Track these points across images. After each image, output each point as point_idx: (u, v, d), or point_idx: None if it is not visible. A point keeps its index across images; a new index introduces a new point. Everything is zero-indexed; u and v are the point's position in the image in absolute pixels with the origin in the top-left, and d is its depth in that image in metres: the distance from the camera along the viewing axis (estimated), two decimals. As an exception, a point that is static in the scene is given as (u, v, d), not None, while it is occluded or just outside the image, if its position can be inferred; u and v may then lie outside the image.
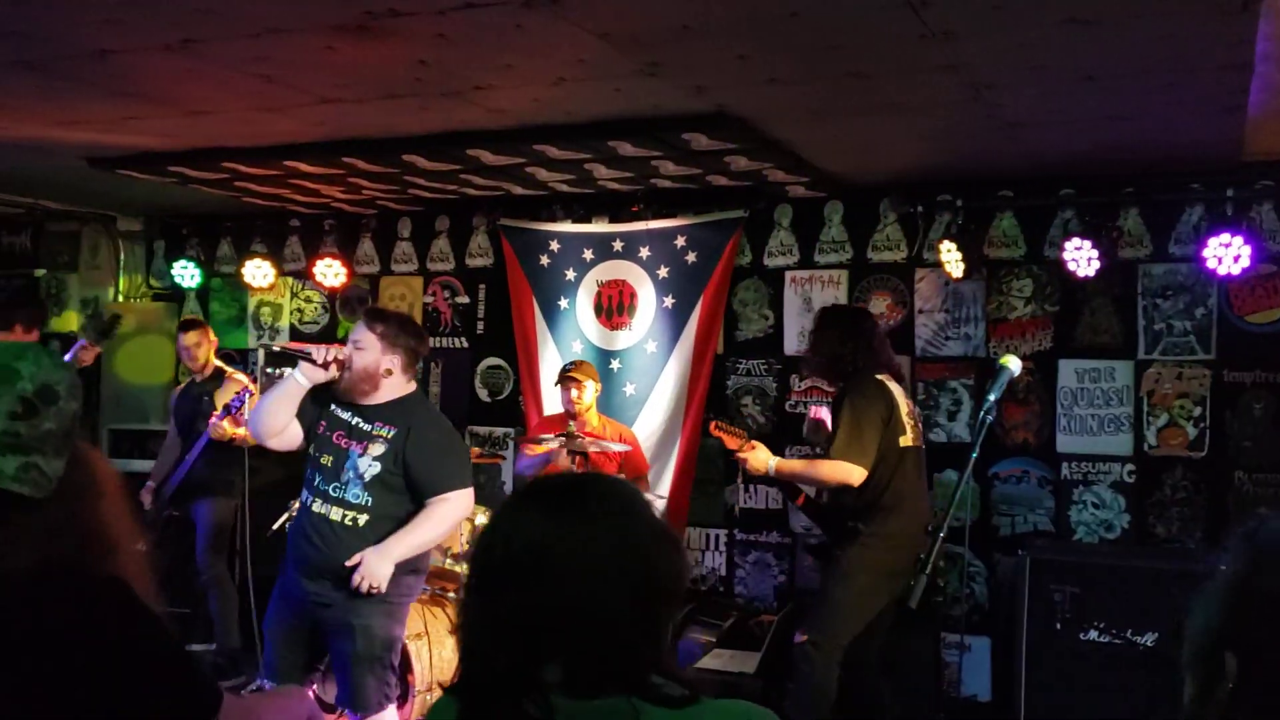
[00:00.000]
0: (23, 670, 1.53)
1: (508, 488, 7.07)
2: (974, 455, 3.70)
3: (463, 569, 5.08)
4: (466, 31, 3.66)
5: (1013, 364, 3.91)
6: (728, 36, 3.68)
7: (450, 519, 3.88)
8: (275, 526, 5.24)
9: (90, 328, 5.75)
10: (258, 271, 7.35)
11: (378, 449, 3.81)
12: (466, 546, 5.08)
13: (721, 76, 4.14)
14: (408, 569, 3.88)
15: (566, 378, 5.84)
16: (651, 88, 4.26)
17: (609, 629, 1.37)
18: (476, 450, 5.79)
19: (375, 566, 3.71)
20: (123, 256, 8.27)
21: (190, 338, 6.48)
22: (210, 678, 1.78)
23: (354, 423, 3.89)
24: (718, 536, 6.59)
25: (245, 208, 7.33)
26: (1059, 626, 5.00)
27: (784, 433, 6.37)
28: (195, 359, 6.48)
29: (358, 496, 3.82)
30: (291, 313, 7.87)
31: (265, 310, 7.93)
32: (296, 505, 5.13)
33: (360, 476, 3.81)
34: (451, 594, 5.13)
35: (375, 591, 3.73)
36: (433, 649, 4.79)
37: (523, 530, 1.42)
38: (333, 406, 3.93)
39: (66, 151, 5.74)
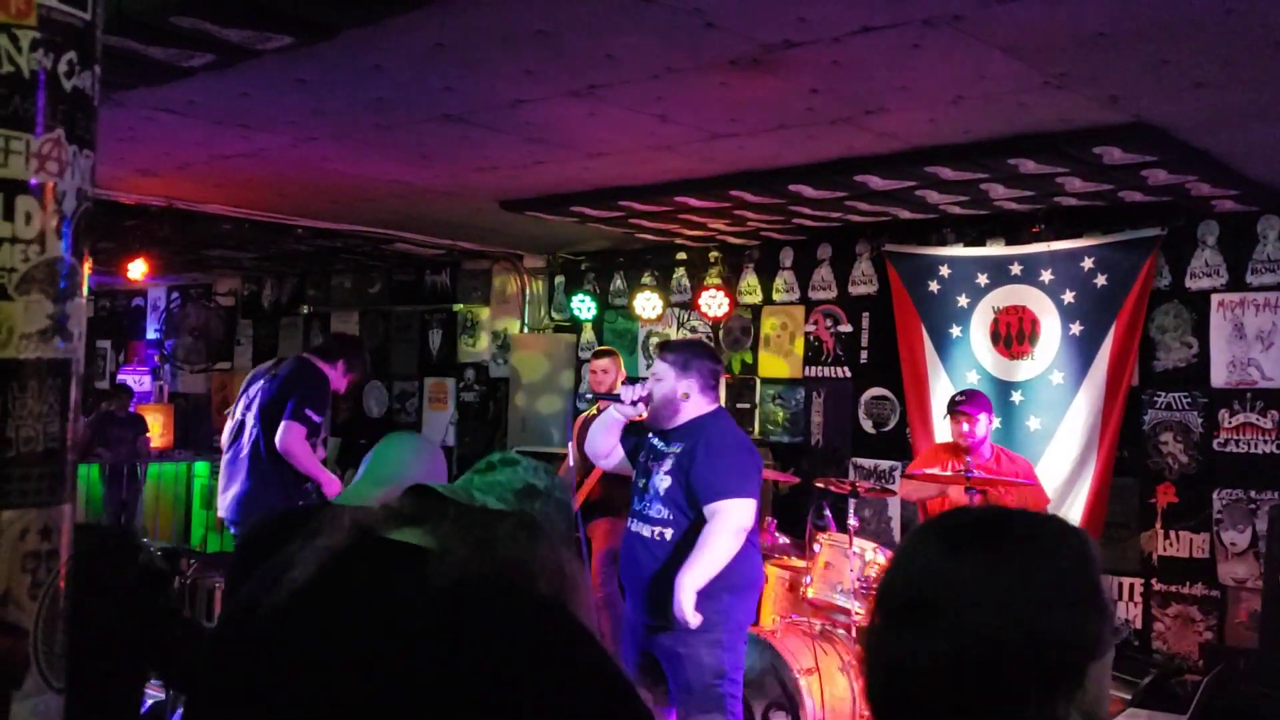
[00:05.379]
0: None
1: (895, 524, 6.86)
2: None
3: (854, 605, 4.93)
4: (862, 56, 3.58)
5: None
6: (1148, 41, 3.41)
7: (726, 530, 3.83)
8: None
9: None
10: (647, 303, 7.76)
11: (667, 464, 3.98)
12: (856, 583, 4.93)
13: (1139, 84, 3.84)
14: (722, 588, 3.81)
15: (957, 411, 5.57)
16: (1059, 100, 4.01)
17: (992, 684, 1.20)
18: (870, 482, 5.62)
19: (679, 601, 3.71)
20: (528, 291, 8.89)
21: (603, 364, 6.78)
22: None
23: (658, 445, 4.10)
24: (1132, 586, 5.99)
25: (636, 243, 7.66)
26: None
27: (1210, 474, 5.72)
28: (602, 385, 6.79)
29: (659, 512, 3.98)
30: (679, 342, 8.09)
31: (654, 339, 8.21)
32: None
33: (659, 493, 3.98)
34: (841, 630, 5.00)
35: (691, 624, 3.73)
36: (824, 686, 4.67)
37: (919, 565, 1.29)
38: (649, 435, 4.17)
39: (481, 196, 6.22)
